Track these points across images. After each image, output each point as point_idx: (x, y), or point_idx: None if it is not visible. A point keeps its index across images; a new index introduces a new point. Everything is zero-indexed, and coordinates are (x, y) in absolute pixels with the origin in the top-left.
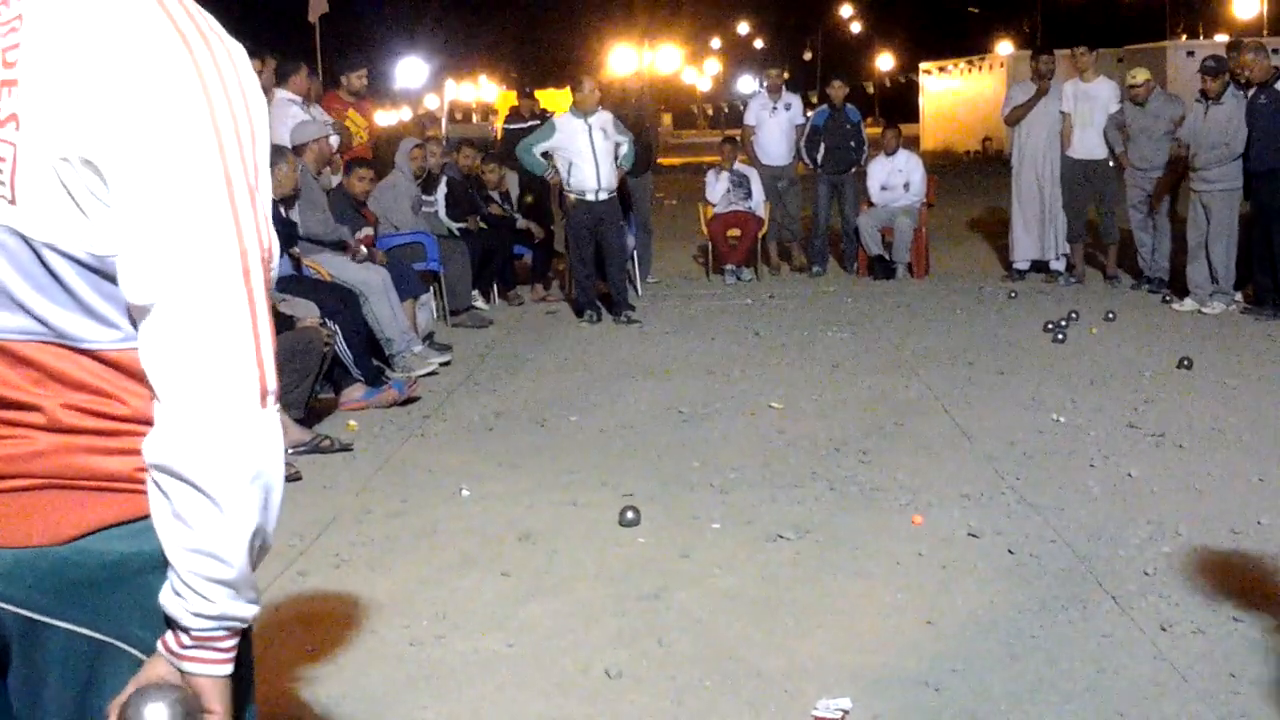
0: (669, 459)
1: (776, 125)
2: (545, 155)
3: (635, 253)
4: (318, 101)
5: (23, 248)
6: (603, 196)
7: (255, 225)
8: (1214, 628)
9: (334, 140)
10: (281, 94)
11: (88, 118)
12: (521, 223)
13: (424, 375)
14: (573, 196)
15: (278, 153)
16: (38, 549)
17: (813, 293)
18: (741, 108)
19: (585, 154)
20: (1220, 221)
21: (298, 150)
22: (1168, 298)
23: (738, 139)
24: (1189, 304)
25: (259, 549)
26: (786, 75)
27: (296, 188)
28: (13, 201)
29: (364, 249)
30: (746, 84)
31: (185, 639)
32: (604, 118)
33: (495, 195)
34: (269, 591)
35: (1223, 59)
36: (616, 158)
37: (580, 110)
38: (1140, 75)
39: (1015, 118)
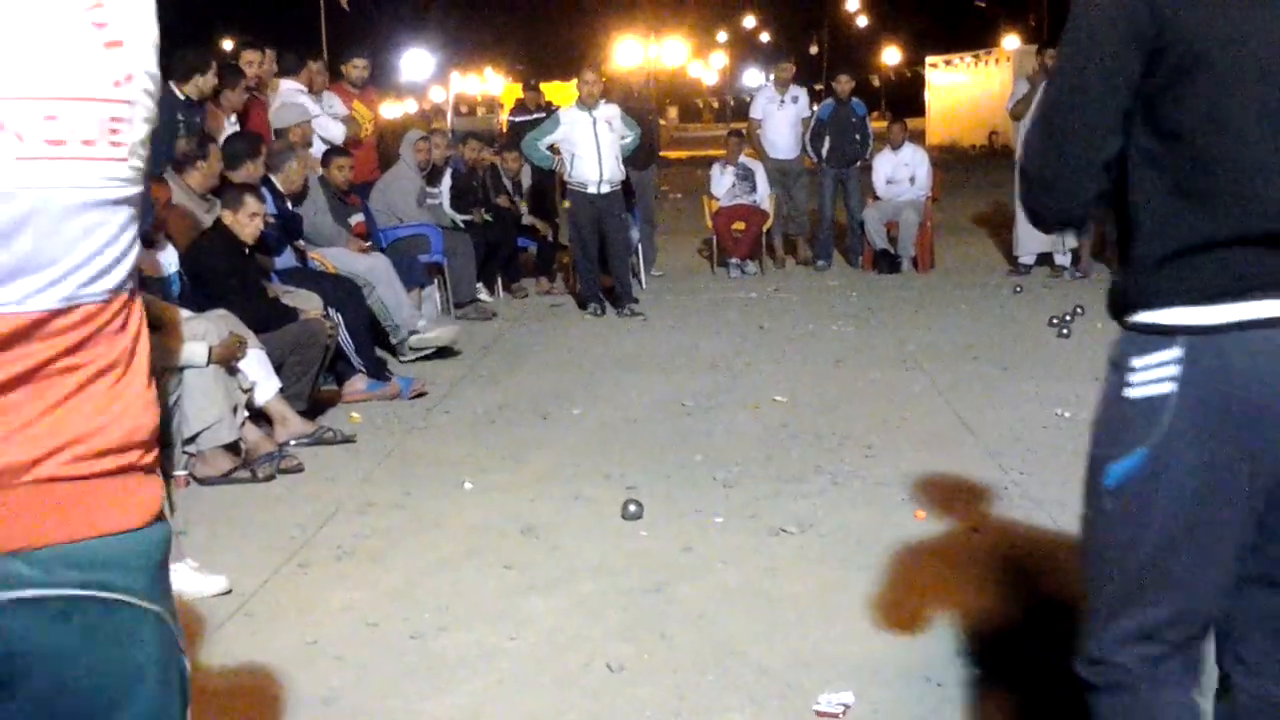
0: (672, 452)
1: (784, 119)
2: (552, 149)
3: (639, 246)
4: (325, 91)
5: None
6: (605, 190)
7: None
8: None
9: (338, 133)
10: (288, 84)
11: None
12: (527, 219)
13: (428, 359)
14: (575, 189)
15: (288, 149)
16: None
17: (817, 287)
18: (748, 101)
19: (589, 147)
20: None
21: (278, 134)
22: None
23: (743, 132)
24: None
25: None
26: (794, 69)
27: (306, 184)
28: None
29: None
30: (752, 77)
31: None
32: (610, 111)
33: (509, 184)
34: (271, 582)
35: None
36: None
37: (585, 103)
38: None
39: (1019, 112)
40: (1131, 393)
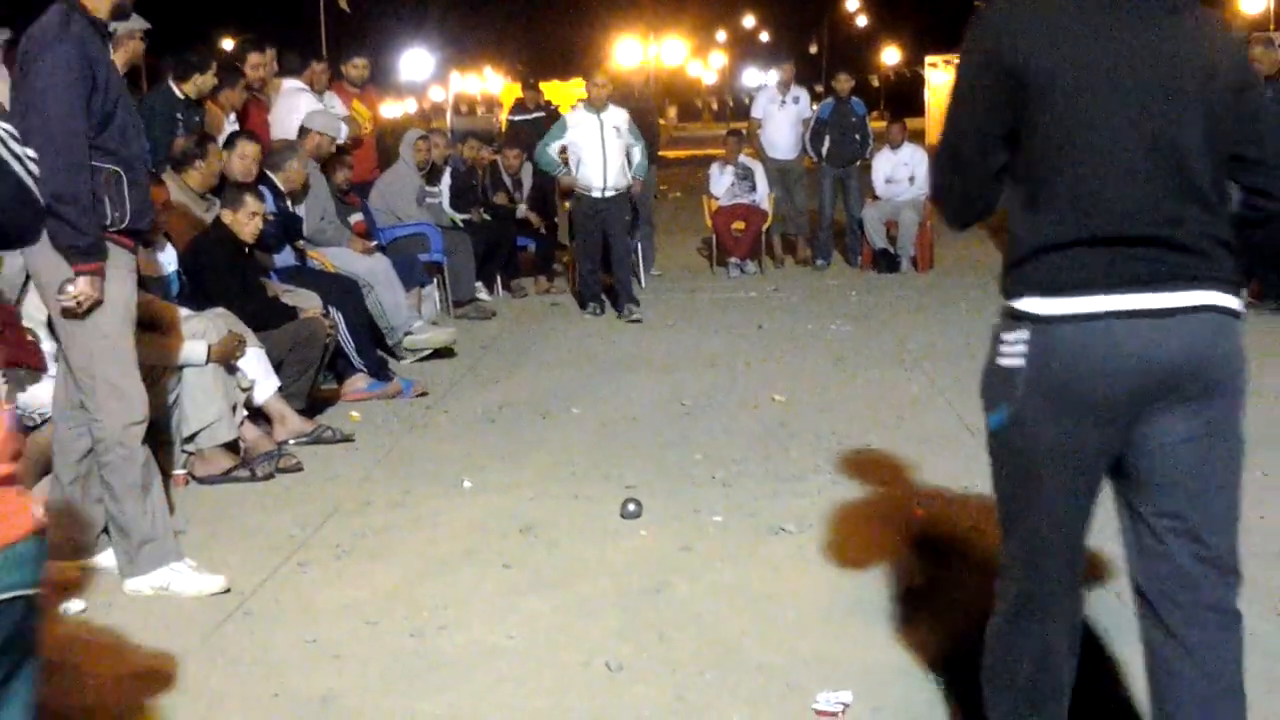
0: (671, 452)
1: (785, 118)
2: (562, 156)
3: (639, 246)
4: (326, 91)
5: None
6: (609, 194)
7: None
8: None
9: (342, 133)
10: (291, 83)
11: None
12: (523, 212)
13: (426, 359)
14: (579, 192)
15: (289, 148)
16: None
17: (816, 286)
18: (747, 101)
19: (594, 150)
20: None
21: (302, 132)
22: None
23: (743, 132)
24: None
25: None
26: (794, 69)
27: (306, 183)
28: None
29: (367, 244)
30: (752, 77)
31: None
32: (619, 116)
33: (508, 183)
34: (270, 580)
35: None
36: (630, 162)
37: (593, 105)
38: None
39: None
40: (1000, 361)
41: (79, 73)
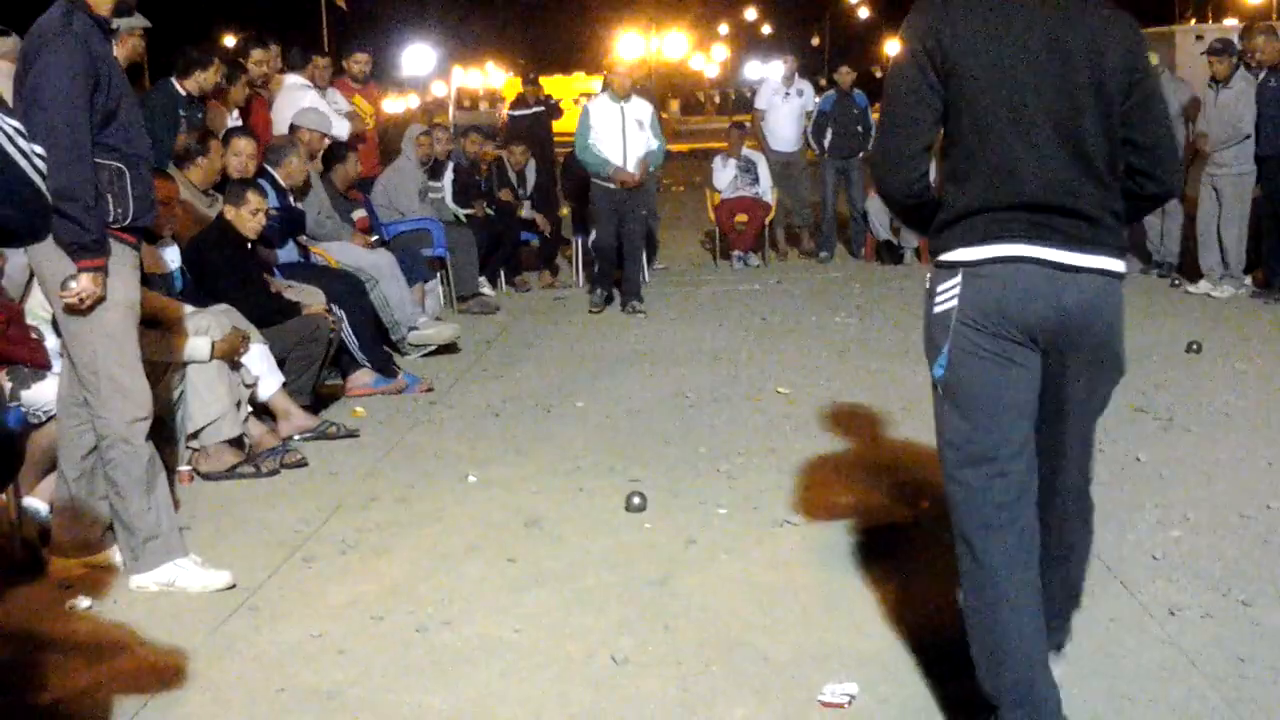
0: (676, 445)
1: (788, 111)
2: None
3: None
4: (329, 87)
5: None
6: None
7: None
8: (1222, 612)
9: (343, 129)
10: (293, 79)
11: None
12: (529, 212)
13: (430, 354)
14: (597, 183)
15: (289, 143)
16: None
17: (820, 278)
18: (749, 94)
19: (614, 141)
20: (1232, 205)
21: (292, 130)
22: (1176, 281)
23: (746, 125)
24: (1202, 286)
25: None
26: (798, 61)
27: (307, 180)
28: None
29: (368, 238)
30: (754, 70)
31: None
32: (643, 109)
33: (512, 178)
34: (275, 576)
35: (1229, 40)
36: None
37: (616, 94)
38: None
39: None
40: (936, 310)
41: (82, 69)
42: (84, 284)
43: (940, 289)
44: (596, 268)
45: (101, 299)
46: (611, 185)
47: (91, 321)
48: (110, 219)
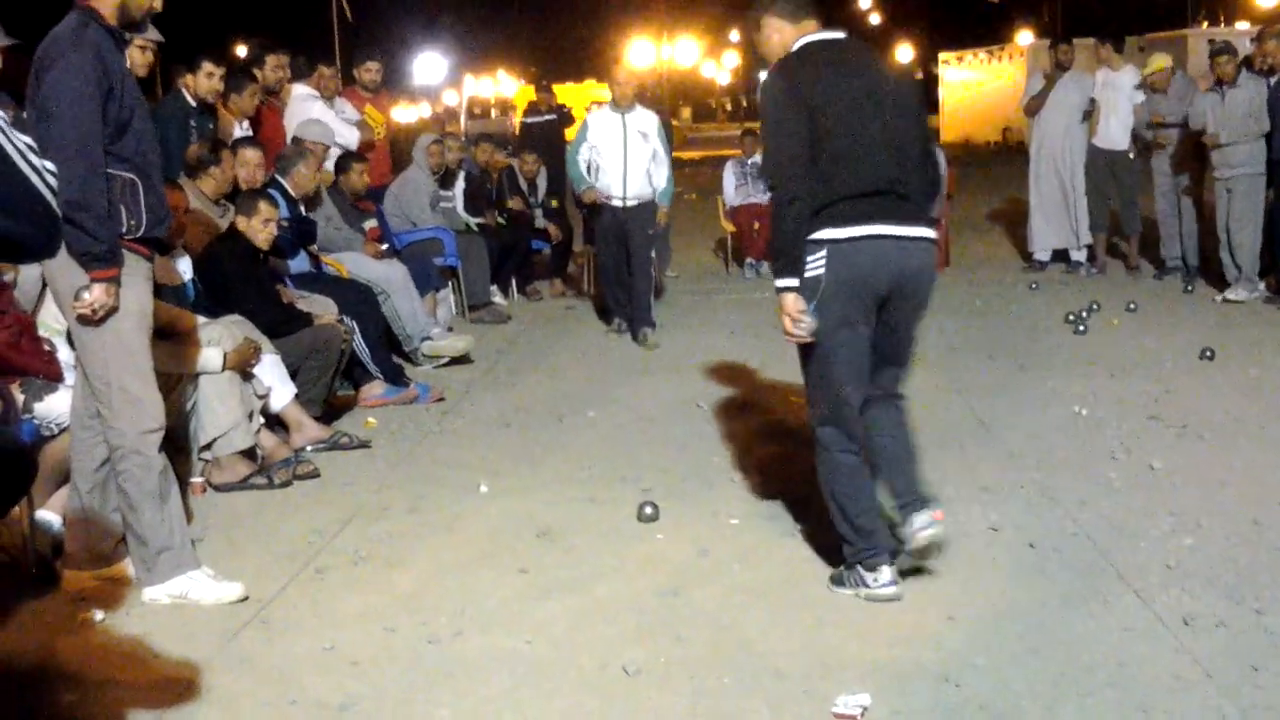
0: (688, 454)
1: None
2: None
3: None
4: (337, 96)
5: None
6: (631, 204)
7: None
8: (1237, 620)
9: (352, 139)
10: (300, 89)
11: None
12: (540, 222)
13: (443, 366)
14: (599, 201)
15: (297, 153)
16: None
17: None
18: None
19: (615, 154)
20: (1244, 208)
21: (295, 142)
22: (1190, 288)
23: (758, 131)
24: (1229, 293)
25: None
26: None
27: (318, 190)
28: None
29: (379, 247)
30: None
31: None
32: (646, 120)
33: (524, 186)
34: (288, 588)
35: (1231, 43)
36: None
37: (617, 105)
38: (1159, 63)
39: (1033, 108)
40: (807, 274)
41: (95, 80)
42: (97, 294)
43: (811, 259)
44: (607, 297)
45: (114, 310)
46: (614, 201)
47: (104, 332)
48: (123, 230)
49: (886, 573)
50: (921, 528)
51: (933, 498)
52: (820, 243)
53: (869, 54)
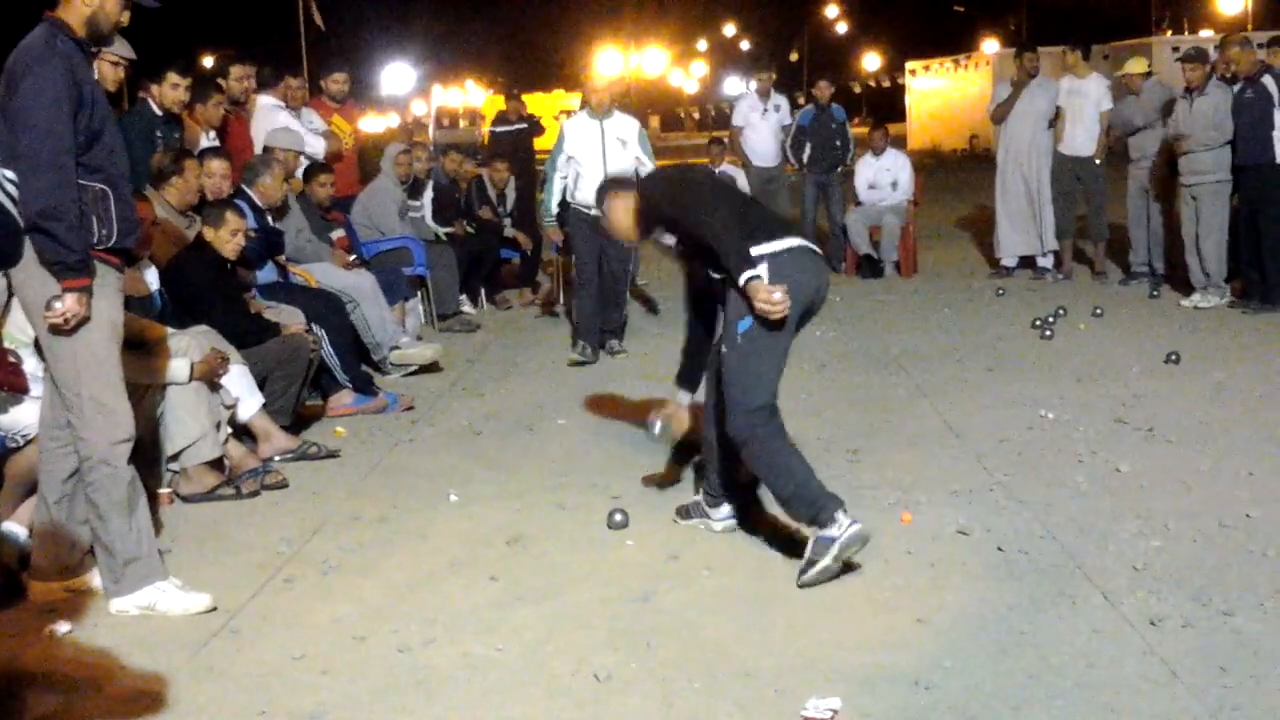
0: (657, 461)
1: (766, 126)
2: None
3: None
4: (303, 107)
5: None
6: None
7: None
8: (1204, 622)
9: (319, 147)
10: (265, 100)
11: None
12: (509, 231)
13: (412, 374)
14: (576, 208)
15: (262, 163)
16: None
17: None
18: (728, 110)
19: (594, 163)
20: (1210, 214)
21: (266, 152)
22: (1156, 293)
23: (725, 140)
24: (1194, 298)
25: None
26: (774, 77)
27: (285, 200)
28: None
29: (347, 258)
30: (733, 85)
31: None
32: (626, 126)
33: (493, 196)
34: (257, 598)
35: (1203, 49)
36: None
37: (594, 112)
38: (1139, 65)
39: (999, 115)
40: (745, 286)
41: (65, 91)
42: (69, 304)
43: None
44: (577, 314)
45: (86, 319)
46: (592, 211)
47: (75, 342)
48: (95, 240)
49: (843, 517)
50: (726, 517)
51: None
52: (760, 257)
53: None
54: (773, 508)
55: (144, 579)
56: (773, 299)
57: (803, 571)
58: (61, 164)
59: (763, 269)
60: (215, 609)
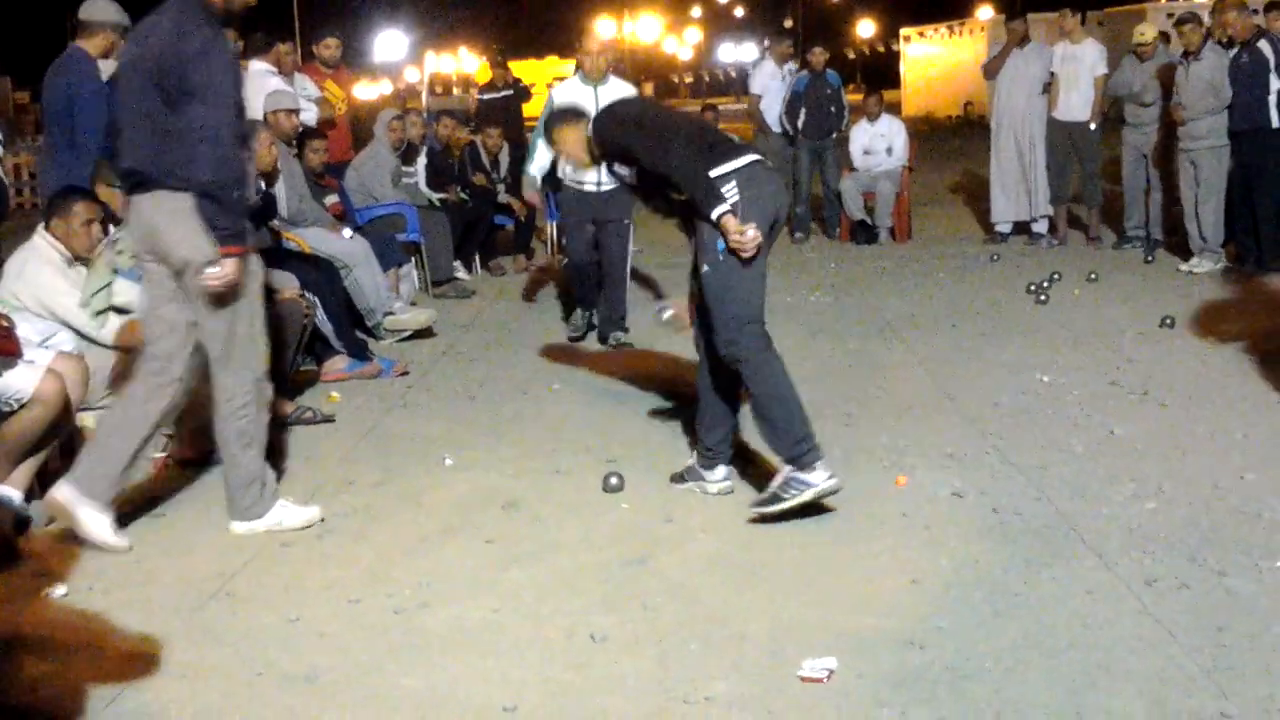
0: (653, 425)
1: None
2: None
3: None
4: (296, 72)
5: None
6: (606, 187)
7: None
8: (1198, 582)
9: (310, 114)
10: (257, 65)
11: None
12: (503, 197)
13: (406, 339)
14: (569, 184)
15: (252, 127)
16: None
17: (795, 259)
18: (722, 77)
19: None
20: (1208, 179)
21: (265, 118)
22: (1151, 258)
23: (718, 107)
24: (1194, 262)
25: None
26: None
27: (276, 165)
28: None
29: (347, 230)
30: (727, 52)
31: None
32: (620, 90)
33: (486, 162)
34: (253, 563)
35: (1197, 13)
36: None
37: (589, 77)
38: (1149, 33)
39: (993, 69)
40: (718, 222)
41: (229, 67)
42: (229, 269)
43: (724, 189)
44: (576, 291)
45: (238, 282)
46: (585, 187)
47: (235, 303)
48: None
49: (822, 468)
50: (721, 479)
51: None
52: (729, 175)
53: None
54: (767, 466)
55: (271, 499)
56: (745, 238)
57: (765, 504)
58: (233, 139)
59: (731, 189)
60: (323, 520)
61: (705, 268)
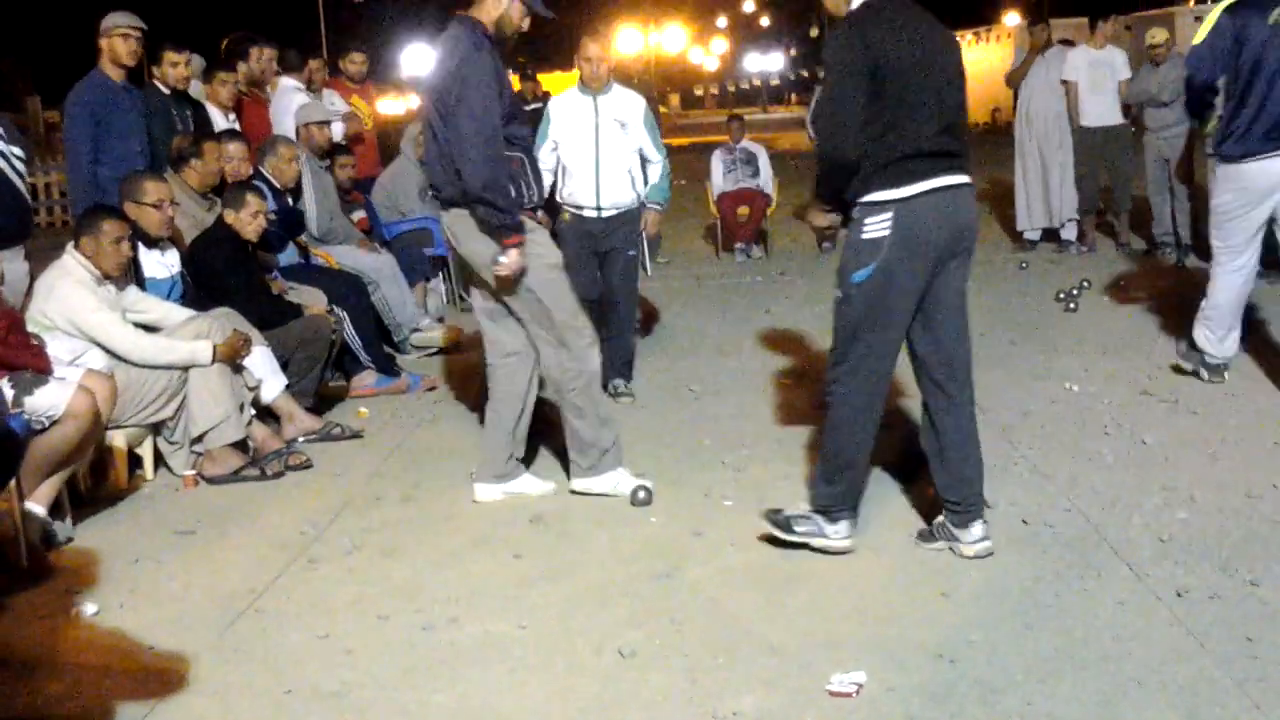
0: (681, 437)
1: None
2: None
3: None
4: (324, 88)
5: None
6: (608, 214)
7: None
8: (1230, 592)
9: (337, 129)
10: (286, 82)
11: None
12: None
13: (432, 355)
14: (566, 212)
15: (271, 141)
16: None
17: (822, 269)
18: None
19: (584, 149)
20: None
21: (298, 132)
22: (1181, 264)
23: (744, 117)
24: None
25: None
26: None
27: (298, 179)
28: None
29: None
30: (753, 62)
31: None
32: (626, 104)
33: None
34: (282, 579)
35: None
36: (643, 178)
37: (588, 87)
38: (1160, 36)
39: (1015, 78)
40: (866, 236)
41: (497, 81)
42: (514, 259)
43: (871, 220)
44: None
45: (524, 269)
46: (585, 212)
47: (537, 289)
48: (524, 202)
49: (846, 529)
50: (977, 539)
51: (985, 506)
52: (883, 204)
53: (929, 15)
54: (800, 485)
55: (612, 464)
56: (822, 218)
57: (776, 524)
58: (499, 146)
59: (885, 221)
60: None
61: (839, 293)
